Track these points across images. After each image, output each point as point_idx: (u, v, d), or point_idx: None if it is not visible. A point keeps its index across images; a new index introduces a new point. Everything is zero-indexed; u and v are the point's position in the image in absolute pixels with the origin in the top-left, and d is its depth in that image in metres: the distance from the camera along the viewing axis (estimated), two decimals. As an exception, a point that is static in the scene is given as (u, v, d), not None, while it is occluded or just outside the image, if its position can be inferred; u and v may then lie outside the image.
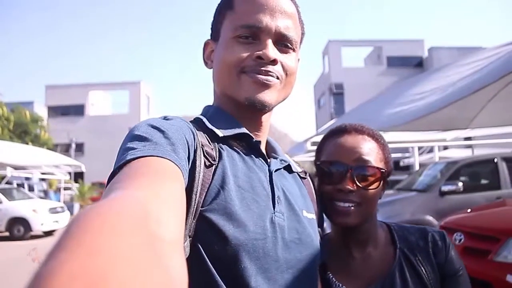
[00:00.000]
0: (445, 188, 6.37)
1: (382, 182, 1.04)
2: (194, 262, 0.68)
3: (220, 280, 0.70)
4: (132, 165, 0.58)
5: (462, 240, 4.14)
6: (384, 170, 1.03)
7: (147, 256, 0.32)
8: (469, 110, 5.42)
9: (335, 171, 1.02)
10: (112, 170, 0.61)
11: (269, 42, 0.82)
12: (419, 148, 10.53)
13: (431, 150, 11.66)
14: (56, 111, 37.13)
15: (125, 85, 39.38)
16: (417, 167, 9.04)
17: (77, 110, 37.84)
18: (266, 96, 0.84)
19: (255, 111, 0.87)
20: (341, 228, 1.06)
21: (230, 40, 0.84)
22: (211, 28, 0.93)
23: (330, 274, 1.05)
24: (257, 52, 0.81)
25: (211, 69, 0.92)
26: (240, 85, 0.83)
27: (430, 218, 6.16)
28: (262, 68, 0.82)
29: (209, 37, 0.94)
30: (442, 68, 5.91)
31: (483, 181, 7.30)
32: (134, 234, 0.34)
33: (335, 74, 32.66)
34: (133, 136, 0.66)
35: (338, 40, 34.09)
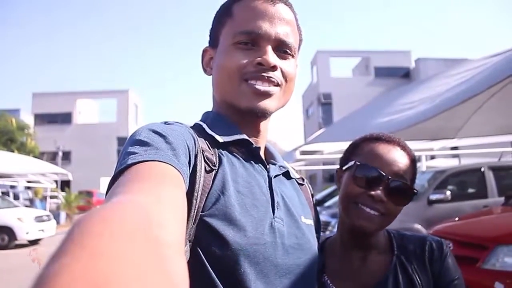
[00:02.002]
0: (433, 197, 6.42)
1: (409, 201, 1.05)
2: (194, 267, 0.67)
3: (220, 285, 0.70)
4: (133, 169, 0.58)
5: (451, 248, 4.16)
6: (416, 191, 1.05)
7: (149, 260, 0.32)
8: (456, 120, 5.50)
9: (371, 176, 1.01)
10: (113, 174, 0.61)
11: (269, 48, 0.83)
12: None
13: (418, 159, 11.76)
14: (43, 119, 36.73)
15: (113, 94, 39.13)
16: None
17: (64, 118, 37.47)
18: (267, 104, 0.84)
19: (255, 118, 0.87)
20: (352, 232, 1.07)
21: (230, 47, 0.84)
22: (210, 35, 0.93)
23: (326, 277, 1.06)
24: (257, 59, 0.82)
25: (210, 76, 0.93)
26: (240, 94, 0.84)
27: (418, 226, 6.20)
28: (263, 74, 0.82)
29: (208, 45, 0.95)
30: (430, 78, 6.00)
31: (471, 190, 7.37)
32: (136, 238, 0.34)
33: (323, 84, 32.86)
34: (134, 141, 0.66)
35: (327, 50, 34.35)
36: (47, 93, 38.50)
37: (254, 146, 0.86)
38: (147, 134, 0.68)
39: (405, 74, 33.32)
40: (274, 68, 0.83)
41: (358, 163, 1.05)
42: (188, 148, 0.71)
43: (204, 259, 0.70)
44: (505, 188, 6.62)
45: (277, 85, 0.85)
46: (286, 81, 0.87)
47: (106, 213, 0.37)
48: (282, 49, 0.86)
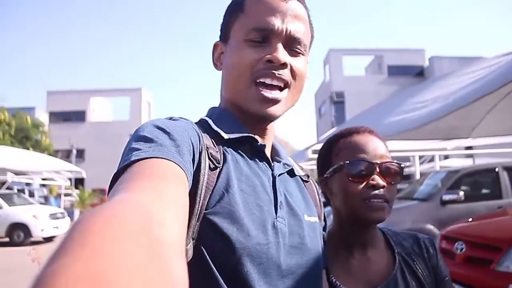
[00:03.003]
0: (446, 197, 6.35)
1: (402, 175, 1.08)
2: (197, 265, 0.68)
3: (224, 283, 0.69)
4: (136, 166, 0.58)
5: (464, 249, 4.12)
6: (403, 166, 1.07)
7: (149, 259, 0.32)
8: (470, 119, 5.43)
9: (363, 169, 1.04)
10: (116, 170, 0.61)
11: (279, 45, 0.82)
12: (420, 157, 10.52)
13: (432, 159, 11.65)
14: (57, 117, 37.16)
15: (126, 92, 39.44)
16: (417, 176, 9.03)
17: (78, 116, 37.87)
18: (274, 111, 0.84)
19: (262, 122, 0.88)
20: (359, 227, 1.08)
21: (241, 43, 0.83)
22: (221, 30, 0.92)
23: (333, 278, 1.06)
24: (267, 56, 0.81)
25: (221, 71, 0.92)
26: (249, 98, 0.83)
27: (431, 227, 6.14)
28: (273, 71, 0.82)
29: (219, 39, 0.93)
30: (443, 77, 5.93)
31: (484, 191, 7.28)
32: (136, 237, 0.34)
33: (336, 83, 32.71)
34: (138, 137, 0.66)
35: (339, 48, 34.17)
36: (62, 91, 38.95)
37: (259, 143, 0.85)
38: (152, 130, 0.68)
39: (419, 73, 33.00)
40: (284, 65, 0.82)
41: (348, 162, 1.07)
42: (193, 145, 0.71)
43: (207, 257, 0.70)
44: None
45: (286, 84, 0.84)
46: (295, 79, 0.86)
47: (106, 212, 0.37)
48: (293, 46, 0.84)
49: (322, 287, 0.90)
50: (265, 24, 0.81)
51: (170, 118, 0.77)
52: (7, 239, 11.49)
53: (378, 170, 1.03)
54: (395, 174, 1.05)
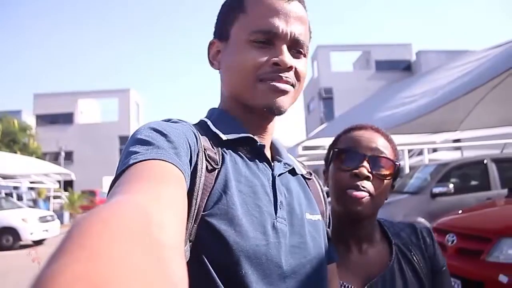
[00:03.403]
0: (436, 190, 6.43)
1: (393, 176, 1.08)
2: (195, 266, 0.68)
3: (221, 285, 0.69)
4: (134, 168, 0.58)
5: (455, 241, 4.17)
6: (397, 163, 1.08)
7: (148, 261, 0.32)
8: (458, 112, 5.48)
9: (352, 159, 1.05)
10: (115, 174, 0.61)
11: (285, 48, 0.81)
12: (409, 151, 10.60)
13: (420, 152, 11.74)
14: (45, 119, 36.77)
15: (114, 93, 39.15)
16: (407, 170, 9.10)
17: (66, 119, 37.52)
18: (283, 101, 0.83)
19: (269, 116, 0.87)
20: (345, 222, 1.08)
21: (244, 44, 0.82)
22: (217, 28, 0.91)
23: None
24: (274, 59, 0.80)
25: (217, 70, 0.91)
26: (256, 93, 0.82)
27: (422, 219, 6.21)
28: (280, 75, 0.81)
29: (213, 37, 0.92)
30: (431, 71, 5.98)
31: (473, 182, 7.37)
32: (135, 239, 0.34)
33: (324, 79, 32.84)
34: (135, 140, 0.66)
35: (327, 45, 34.28)
36: (49, 93, 38.53)
37: (258, 144, 0.85)
38: (149, 132, 0.67)
39: (406, 67, 33.29)
40: (290, 68, 0.82)
41: (336, 149, 1.10)
42: (190, 147, 0.70)
43: (205, 259, 0.70)
44: (508, 180, 6.64)
45: (292, 85, 0.84)
46: (299, 80, 0.86)
47: (105, 213, 0.37)
48: (296, 48, 0.84)
49: (327, 286, 0.88)
50: (269, 26, 0.80)
51: (167, 120, 0.77)
52: (-4, 244, 11.36)
53: (366, 161, 1.03)
54: (385, 169, 1.05)
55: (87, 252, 0.30)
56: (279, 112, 0.84)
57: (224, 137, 0.81)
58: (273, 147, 0.95)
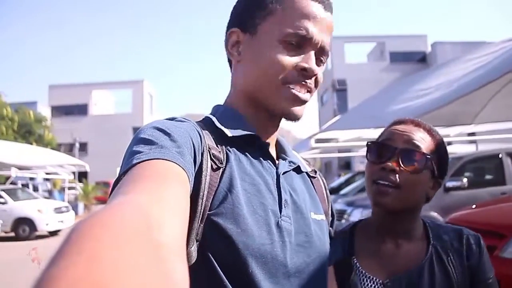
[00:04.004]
0: (450, 184, 6.35)
1: (429, 172, 1.05)
2: (202, 266, 0.68)
3: (229, 284, 0.69)
4: (137, 168, 0.58)
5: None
6: (430, 158, 1.04)
7: (148, 263, 0.32)
8: (473, 105, 5.41)
9: (383, 152, 1.04)
10: (118, 174, 0.61)
11: (313, 54, 0.81)
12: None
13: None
14: (60, 110, 37.23)
15: (128, 84, 39.44)
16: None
17: (80, 110, 37.94)
18: (301, 111, 0.84)
19: (281, 119, 0.88)
20: (383, 214, 1.07)
21: (275, 43, 0.80)
22: (241, 17, 0.87)
23: (355, 259, 1.05)
24: (304, 65, 0.80)
25: (233, 60, 0.89)
26: (279, 97, 0.82)
27: (434, 214, 6.14)
28: (305, 80, 0.81)
29: (232, 26, 0.88)
30: (447, 63, 5.89)
31: (488, 177, 7.28)
32: (135, 241, 0.34)
33: (338, 70, 32.61)
34: (139, 140, 0.66)
35: (341, 36, 33.95)
36: (63, 85, 39.02)
37: (263, 142, 0.85)
38: (152, 132, 0.67)
39: (421, 59, 32.86)
40: (314, 76, 0.82)
41: (369, 143, 1.09)
42: (194, 146, 0.70)
43: (212, 258, 0.70)
44: (524, 174, 6.52)
45: (309, 91, 0.85)
46: (316, 86, 0.86)
47: (105, 216, 0.37)
48: (321, 56, 0.84)
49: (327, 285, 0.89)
50: (305, 31, 0.79)
51: (171, 119, 0.76)
52: (12, 234, 11.58)
53: (396, 155, 1.02)
54: (415, 163, 1.02)
55: (86, 255, 0.30)
56: (296, 119, 0.85)
57: (229, 133, 0.81)
58: (278, 144, 0.94)
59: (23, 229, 11.61)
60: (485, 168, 7.33)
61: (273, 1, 0.82)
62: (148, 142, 0.64)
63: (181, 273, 0.37)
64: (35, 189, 19.42)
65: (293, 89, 0.81)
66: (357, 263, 1.05)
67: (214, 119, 0.85)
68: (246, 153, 0.82)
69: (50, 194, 20.50)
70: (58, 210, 12.32)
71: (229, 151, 0.79)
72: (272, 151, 0.89)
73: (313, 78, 0.83)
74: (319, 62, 0.84)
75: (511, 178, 6.53)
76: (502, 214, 4.35)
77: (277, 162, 0.87)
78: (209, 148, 0.75)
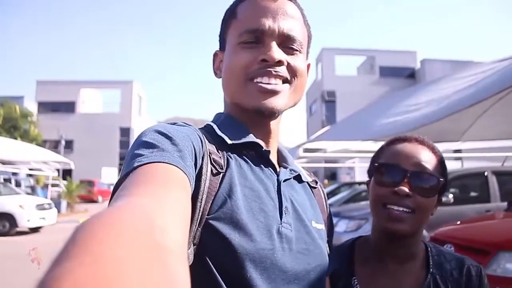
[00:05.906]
0: (435, 199, 6.40)
1: (438, 193, 1.03)
2: (199, 270, 0.68)
3: None
4: (138, 171, 0.58)
5: (452, 252, 4.16)
6: (441, 180, 1.02)
7: (151, 265, 0.32)
8: (461, 123, 5.49)
9: (392, 174, 1.01)
10: (119, 177, 0.61)
11: (273, 44, 0.82)
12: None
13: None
14: (47, 107, 36.85)
15: (117, 84, 39.24)
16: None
17: (68, 107, 37.61)
18: (273, 102, 0.83)
19: (263, 118, 0.86)
20: (384, 238, 1.05)
21: (235, 47, 0.84)
22: (219, 39, 0.93)
23: (356, 280, 1.04)
24: (261, 55, 0.81)
25: (220, 79, 0.92)
26: (246, 93, 0.83)
27: (419, 229, 6.18)
28: (269, 69, 0.81)
29: (218, 49, 0.94)
30: (437, 80, 5.97)
31: (473, 194, 7.37)
32: (138, 243, 0.34)
33: (327, 82, 32.88)
34: (140, 143, 0.66)
35: (332, 48, 34.39)
36: (52, 81, 38.64)
37: (264, 149, 0.85)
38: (153, 135, 0.67)
39: (410, 75, 33.37)
40: (279, 63, 0.82)
41: (377, 164, 1.06)
42: (195, 150, 0.70)
43: (209, 262, 0.70)
44: (508, 193, 6.62)
45: (285, 81, 0.84)
46: (295, 77, 0.85)
47: (108, 218, 0.37)
48: (288, 44, 0.84)
49: None
50: (256, 24, 0.82)
51: (173, 124, 0.76)
52: (-8, 229, 11.36)
53: (407, 178, 0.99)
54: (428, 185, 1.00)
55: (90, 257, 0.30)
56: (270, 113, 0.84)
57: (229, 141, 0.81)
58: (279, 154, 0.95)
59: (3, 224, 11.39)
60: (471, 185, 7.41)
61: (231, 15, 0.88)
62: (150, 145, 0.64)
63: (183, 276, 0.37)
64: (18, 184, 19.15)
65: (260, 82, 0.82)
66: (357, 284, 1.04)
67: (215, 126, 0.86)
68: (247, 160, 0.82)
69: (33, 190, 20.18)
70: (40, 207, 12.12)
71: (230, 157, 0.80)
72: (273, 159, 0.90)
73: (284, 67, 0.83)
74: (290, 50, 0.85)
75: (496, 196, 6.62)
76: (486, 232, 4.40)
77: (278, 169, 0.88)
78: (209, 153, 0.76)
